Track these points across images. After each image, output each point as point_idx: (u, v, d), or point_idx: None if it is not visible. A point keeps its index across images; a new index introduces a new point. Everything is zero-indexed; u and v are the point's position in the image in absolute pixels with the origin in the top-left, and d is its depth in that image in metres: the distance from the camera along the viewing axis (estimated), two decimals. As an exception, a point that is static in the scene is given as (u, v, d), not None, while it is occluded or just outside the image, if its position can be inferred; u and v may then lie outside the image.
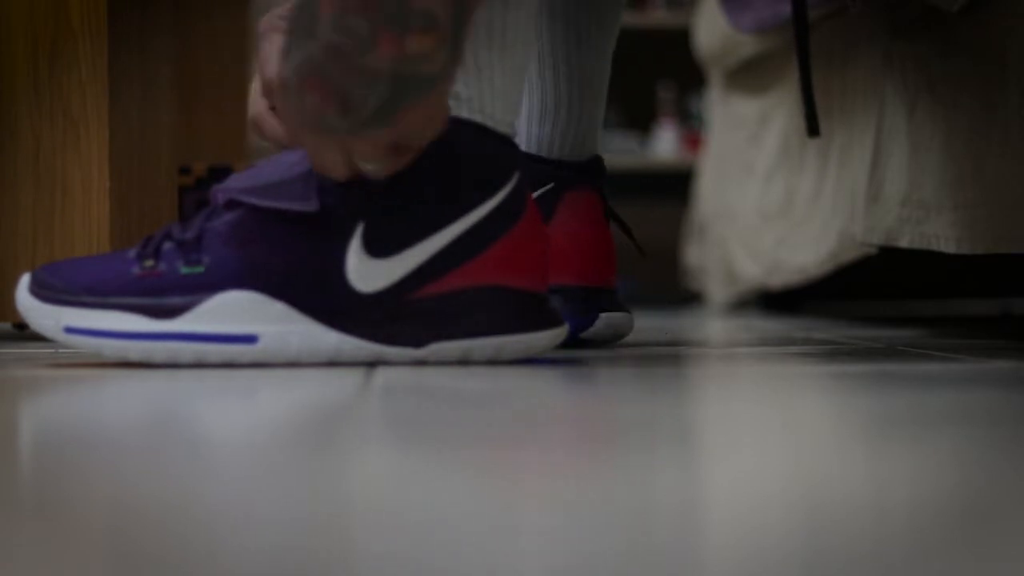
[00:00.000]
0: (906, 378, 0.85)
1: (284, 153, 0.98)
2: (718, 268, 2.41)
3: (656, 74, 4.02)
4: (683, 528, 0.38)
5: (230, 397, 0.75)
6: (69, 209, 1.30)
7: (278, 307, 0.95)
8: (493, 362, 0.98)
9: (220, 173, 1.61)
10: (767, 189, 2.09)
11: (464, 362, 0.97)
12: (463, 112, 0.97)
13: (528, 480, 0.46)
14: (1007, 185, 1.18)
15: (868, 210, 1.51)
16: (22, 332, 1.46)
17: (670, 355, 1.10)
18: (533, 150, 1.20)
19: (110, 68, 1.30)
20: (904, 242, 1.40)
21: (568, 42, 1.21)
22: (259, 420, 0.64)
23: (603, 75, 1.23)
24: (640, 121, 4.03)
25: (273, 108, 0.97)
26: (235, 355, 0.96)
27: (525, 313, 0.98)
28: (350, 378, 0.86)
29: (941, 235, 1.31)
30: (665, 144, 3.89)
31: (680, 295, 3.48)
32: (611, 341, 1.20)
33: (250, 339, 0.95)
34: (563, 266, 1.17)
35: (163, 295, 0.96)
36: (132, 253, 0.98)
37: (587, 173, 1.20)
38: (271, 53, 0.94)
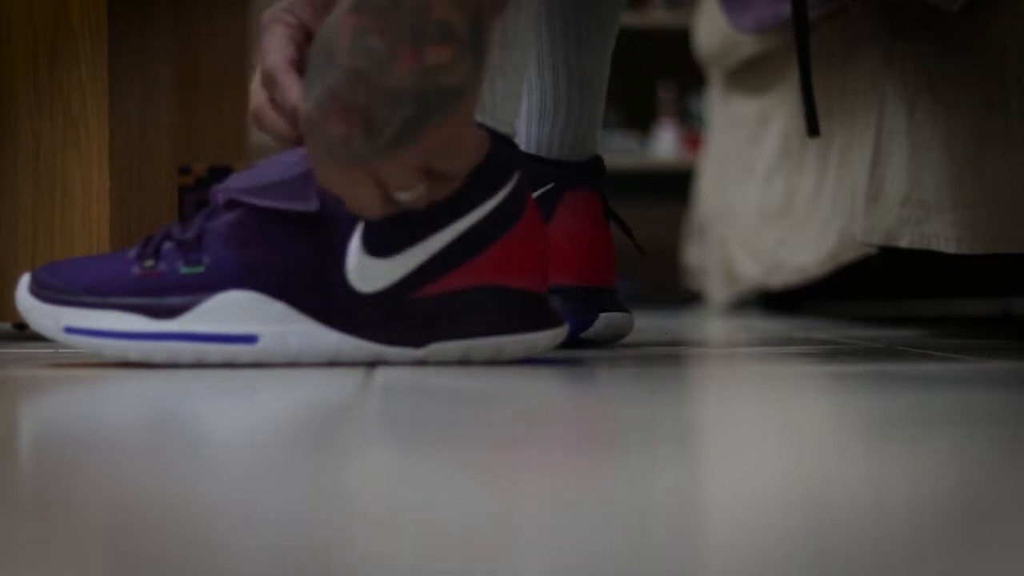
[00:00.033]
0: (906, 378, 0.85)
1: (284, 153, 0.98)
2: (718, 268, 2.41)
3: (656, 74, 4.02)
4: (683, 528, 0.38)
5: (230, 397, 0.75)
6: (69, 209, 1.30)
7: (278, 307, 0.95)
8: (493, 362, 0.98)
9: (220, 173, 1.61)
10: (767, 189, 2.09)
11: (464, 362, 0.97)
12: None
13: (528, 480, 0.46)
14: (1007, 185, 1.18)
15: (868, 210, 1.51)
16: (22, 332, 1.46)
17: (670, 355, 1.10)
18: (533, 150, 1.20)
19: (110, 68, 1.30)
20: (904, 242, 1.40)
21: (568, 42, 1.21)
22: (259, 420, 0.64)
23: (603, 75, 1.23)
24: (640, 121, 4.03)
25: (273, 100, 0.96)
26: (235, 355, 0.96)
27: (525, 313, 0.98)
28: (350, 378, 0.86)
29: (941, 235, 1.31)
30: (665, 144, 3.89)
31: (680, 295, 3.48)
32: (611, 341, 1.20)
33: (250, 339, 0.95)
34: (563, 266, 1.17)
35: (163, 295, 0.96)
36: (132, 253, 0.98)
37: (587, 173, 1.20)
38: (272, 45, 0.94)
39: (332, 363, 0.97)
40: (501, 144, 0.98)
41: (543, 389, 0.79)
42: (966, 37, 1.26)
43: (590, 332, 1.17)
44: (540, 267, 0.98)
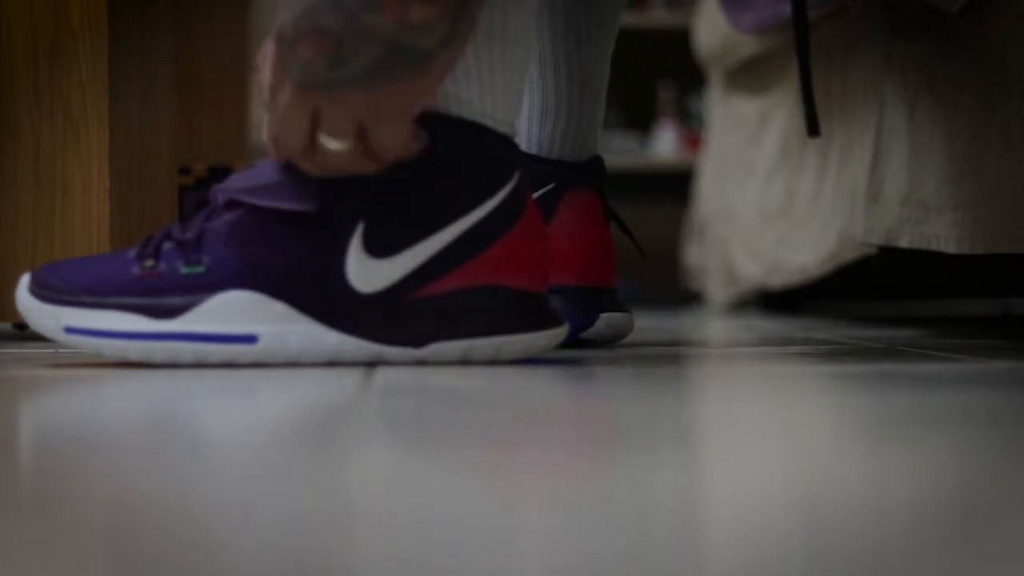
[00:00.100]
0: (906, 378, 0.85)
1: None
2: (718, 268, 2.41)
3: (656, 74, 4.02)
4: (683, 528, 0.38)
5: (230, 397, 0.75)
6: (69, 209, 1.30)
7: (278, 307, 0.95)
8: (493, 362, 0.98)
9: (220, 173, 1.61)
10: (767, 189, 2.09)
11: (464, 362, 0.97)
12: (463, 112, 0.97)
13: (528, 480, 0.46)
14: (1007, 185, 1.18)
15: (868, 210, 1.51)
16: (22, 332, 1.46)
17: (670, 355, 1.10)
18: (533, 150, 1.20)
19: (110, 68, 1.30)
20: (904, 242, 1.40)
21: (568, 42, 1.21)
22: (259, 420, 0.64)
23: (603, 75, 1.23)
24: (640, 121, 4.03)
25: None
26: (235, 355, 0.96)
27: (525, 313, 0.98)
28: (350, 378, 0.86)
29: (941, 235, 1.31)
30: (665, 144, 3.89)
31: (680, 295, 3.48)
32: (611, 341, 1.20)
33: (250, 339, 0.95)
34: (563, 266, 1.17)
35: (163, 295, 0.96)
36: (132, 253, 0.98)
37: (587, 173, 1.20)
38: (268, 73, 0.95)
39: (332, 363, 0.97)
40: (501, 144, 0.98)
41: (543, 389, 0.79)
42: (966, 37, 1.26)
43: (590, 332, 1.17)
44: (540, 267, 0.98)
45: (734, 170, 2.29)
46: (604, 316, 1.17)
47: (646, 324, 1.79)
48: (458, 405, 0.70)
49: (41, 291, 0.97)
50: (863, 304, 2.42)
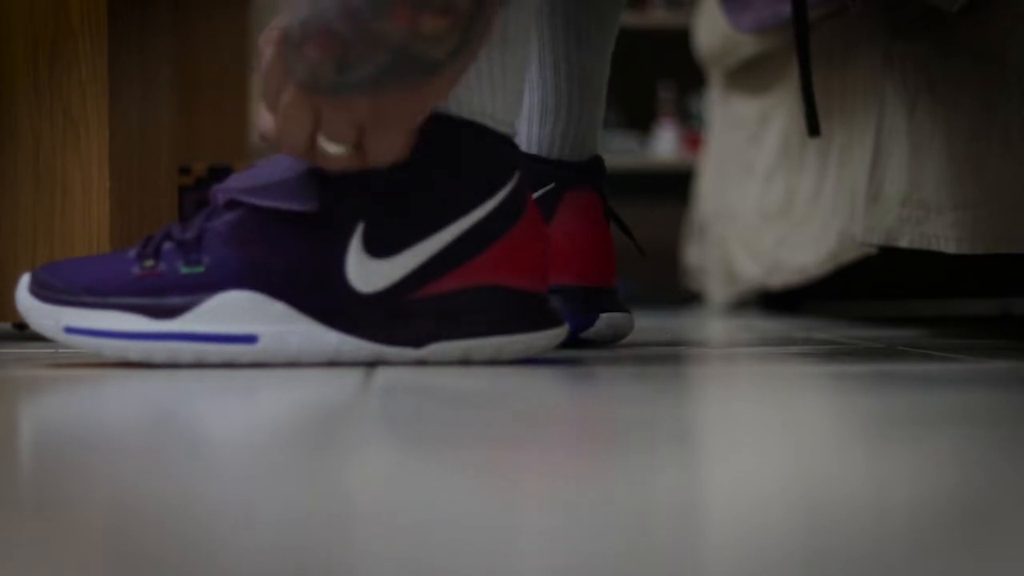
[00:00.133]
0: (906, 378, 0.85)
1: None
2: (718, 268, 2.41)
3: (656, 74, 4.02)
4: (683, 528, 0.38)
5: (230, 397, 0.75)
6: (69, 209, 1.30)
7: (278, 307, 0.95)
8: (493, 362, 0.98)
9: (220, 173, 1.61)
10: (767, 189, 2.09)
11: (464, 362, 0.97)
12: (463, 112, 0.97)
13: (528, 480, 0.46)
14: (1007, 185, 1.18)
15: (868, 210, 1.51)
16: (22, 332, 1.46)
17: (670, 355, 1.10)
18: (533, 150, 1.20)
19: (110, 68, 1.30)
20: (904, 242, 1.40)
21: (568, 42, 1.21)
22: (259, 420, 0.64)
23: (603, 75, 1.23)
24: (640, 121, 4.03)
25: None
26: (235, 355, 0.96)
27: (525, 313, 0.98)
28: (350, 378, 0.86)
29: (941, 235, 1.31)
30: (665, 144, 3.89)
31: (680, 295, 3.48)
32: (611, 341, 1.20)
33: (250, 339, 0.95)
34: (563, 266, 1.17)
35: (163, 295, 0.96)
36: (132, 253, 0.98)
37: (587, 173, 1.20)
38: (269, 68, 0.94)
39: (332, 363, 0.97)
40: (501, 144, 0.98)
41: (543, 389, 0.79)
42: (966, 37, 1.26)
43: (590, 332, 1.17)
44: (540, 267, 0.98)
45: (734, 170, 2.29)
46: (604, 316, 1.17)
47: (646, 324, 1.79)
48: (458, 405, 0.70)
49: (41, 291, 0.97)
50: (863, 304, 2.42)
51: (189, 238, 0.97)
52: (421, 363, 0.97)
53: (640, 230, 3.88)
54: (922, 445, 0.54)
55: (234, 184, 0.97)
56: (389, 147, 0.91)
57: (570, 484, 0.45)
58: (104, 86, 1.30)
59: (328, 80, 0.88)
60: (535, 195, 1.18)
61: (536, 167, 1.19)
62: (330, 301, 0.96)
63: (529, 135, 1.21)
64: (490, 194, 0.97)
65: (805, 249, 1.88)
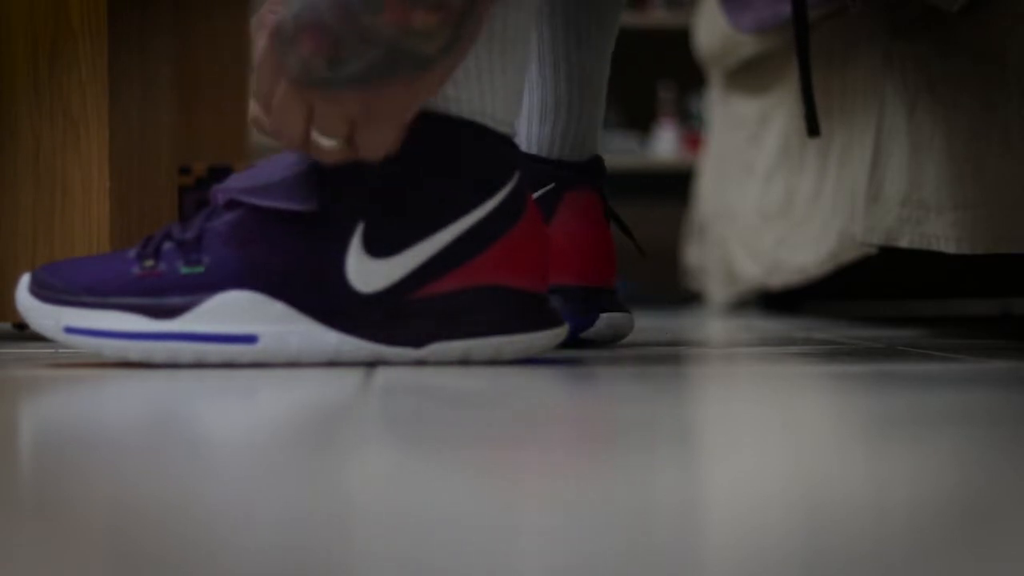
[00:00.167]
0: (906, 378, 0.85)
1: (284, 153, 0.98)
2: (718, 268, 2.41)
3: (656, 74, 4.02)
4: (683, 528, 0.38)
5: (230, 397, 0.75)
6: (69, 209, 1.30)
7: (278, 307, 0.95)
8: (493, 362, 0.98)
9: (220, 173, 1.61)
10: (767, 189, 2.09)
11: (464, 362, 0.97)
12: (463, 112, 0.97)
13: (528, 480, 0.46)
14: (1007, 185, 1.18)
15: (868, 210, 1.51)
16: (22, 332, 1.46)
17: (670, 355, 1.10)
18: (533, 150, 1.20)
19: (110, 68, 1.30)
20: (904, 242, 1.40)
21: (568, 41, 1.21)
22: (259, 420, 0.64)
23: (603, 75, 1.23)
24: (640, 121, 4.03)
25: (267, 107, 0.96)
26: (235, 355, 0.96)
27: (525, 313, 0.98)
28: (350, 378, 0.86)
29: (941, 235, 1.31)
30: (665, 144, 3.89)
31: (680, 295, 3.48)
32: (611, 341, 1.20)
33: (250, 339, 0.95)
34: (563, 266, 1.17)
35: (163, 295, 0.96)
36: (132, 253, 0.98)
37: (587, 173, 1.20)
38: (260, 53, 0.95)
39: (332, 363, 0.97)
40: (501, 144, 0.98)
41: (543, 389, 0.79)
42: (966, 37, 1.26)
43: (590, 332, 1.17)
44: (540, 267, 0.98)
45: (734, 170, 2.29)
46: (604, 316, 1.17)
47: (646, 324, 1.79)
48: (458, 405, 0.70)
49: (41, 291, 0.97)
50: (863, 304, 2.42)
51: (189, 238, 0.97)
52: (421, 363, 0.97)
53: (640, 230, 3.88)
54: (922, 445, 0.54)
55: (234, 184, 0.97)
56: (380, 141, 0.92)
57: (570, 484, 0.45)
58: (104, 86, 1.30)
59: (320, 74, 0.88)
60: (535, 195, 1.18)
61: (536, 167, 1.19)
62: (330, 301, 0.96)
63: (529, 135, 1.21)
64: (490, 194, 0.97)
65: (805, 249, 1.88)
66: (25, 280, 0.98)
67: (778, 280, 2.03)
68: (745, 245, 2.22)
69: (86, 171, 1.30)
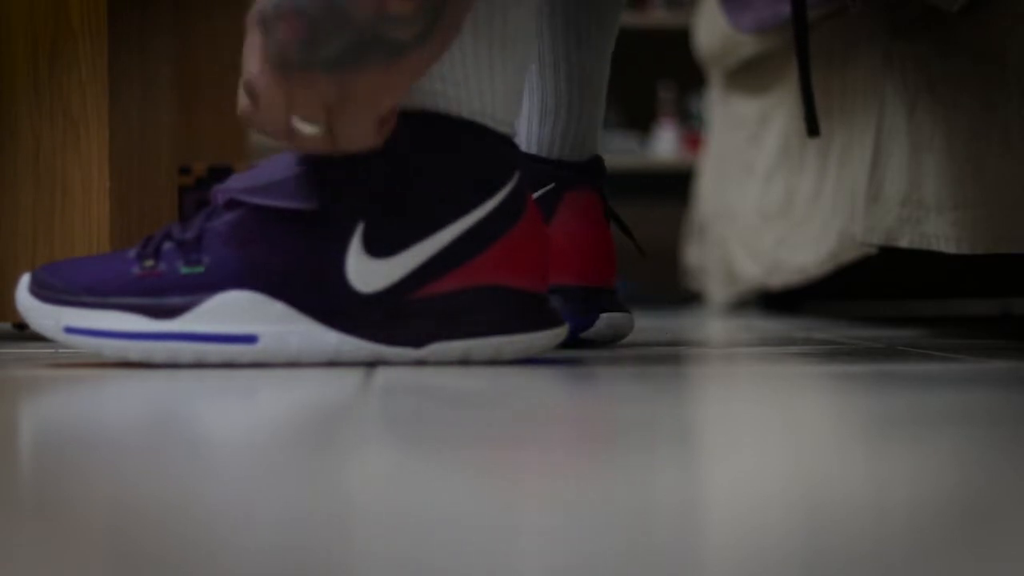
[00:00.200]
0: (906, 378, 0.85)
1: (284, 153, 0.98)
2: (718, 268, 2.41)
3: (656, 74, 4.02)
4: (683, 528, 0.38)
5: (230, 397, 0.75)
6: (69, 209, 1.30)
7: (278, 307, 0.95)
8: (493, 362, 0.98)
9: (220, 173, 1.61)
10: (767, 189, 2.09)
11: (464, 362, 0.97)
12: (463, 112, 0.97)
13: (528, 480, 0.46)
14: (1007, 185, 1.18)
15: (868, 210, 1.51)
16: (22, 332, 1.46)
17: (670, 355, 1.10)
18: (533, 150, 1.21)
19: (110, 68, 1.30)
20: (904, 242, 1.40)
21: (568, 41, 1.21)
22: (259, 420, 0.64)
23: (603, 75, 1.23)
24: (640, 121, 4.03)
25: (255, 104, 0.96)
26: (235, 355, 0.96)
27: (525, 313, 0.98)
28: (350, 378, 0.86)
29: (941, 235, 1.31)
30: (665, 144, 3.89)
31: (680, 295, 3.48)
32: (611, 341, 1.20)
33: (250, 339, 0.95)
34: (563, 266, 1.17)
35: (163, 295, 0.96)
36: (132, 253, 0.98)
37: (587, 173, 1.20)
38: (250, 51, 0.95)
39: (332, 363, 0.97)
40: (501, 144, 0.98)
41: (543, 389, 0.79)
42: (966, 37, 1.26)
43: (590, 332, 1.17)
44: (540, 267, 0.98)
45: (734, 170, 2.29)
46: (604, 316, 1.17)
47: (646, 324, 1.79)
48: (458, 405, 0.70)
49: (41, 291, 0.97)
50: (863, 304, 2.42)
51: (189, 238, 0.97)
52: (421, 363, 0.97)
53: (640, 230, 3.88)
54: (922, 445, 0.54)
55: (234, 184, 0.97)
56: (358, 132, 0.92)
57: (570, 484, 0.45)
58: (104, 86, 1.30)
59: (296, 59, 0.89)
60: (535, 195, 1.18)
61: (536, 167, 1.19)
62: (330, 301, 0.96)
63: (529, 135, 1.21)
64: (490, 194, 0.97)
65: (805, 249, 1.88)
66: (25, 280, 0.98)
67: (778, 280, 2.03)
68: (745, 245, 2.22)
69: (86, 171, 1.30)
